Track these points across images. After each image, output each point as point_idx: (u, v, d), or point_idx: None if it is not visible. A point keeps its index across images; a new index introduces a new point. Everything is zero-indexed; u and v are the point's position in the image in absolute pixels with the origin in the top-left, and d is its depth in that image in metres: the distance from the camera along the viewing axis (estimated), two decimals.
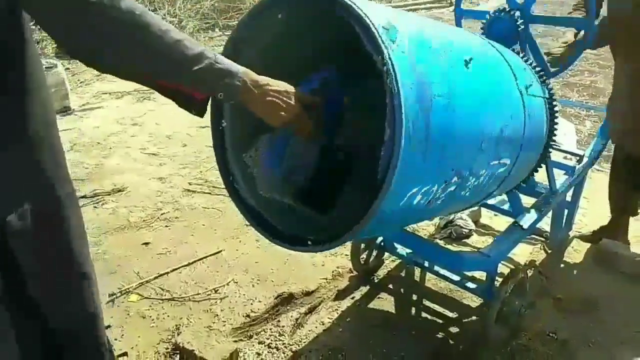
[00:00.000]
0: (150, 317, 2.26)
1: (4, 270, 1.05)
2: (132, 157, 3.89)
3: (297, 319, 2.24)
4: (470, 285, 2.20)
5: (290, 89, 1.13)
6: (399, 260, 2.59)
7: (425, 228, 2.90)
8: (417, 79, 1.09)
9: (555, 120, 2.05)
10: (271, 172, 1.31)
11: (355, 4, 1.06)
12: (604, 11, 2.44)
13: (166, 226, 2.98)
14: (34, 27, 1.08)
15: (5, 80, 0.97)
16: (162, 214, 3.09)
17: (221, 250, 2.73)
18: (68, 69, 5.87)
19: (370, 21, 1.04)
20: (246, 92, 1.05)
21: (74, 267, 1.19)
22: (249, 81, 1.05)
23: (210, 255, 2.69)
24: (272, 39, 1.29)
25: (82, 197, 3.21)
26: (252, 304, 2.34)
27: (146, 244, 2.79)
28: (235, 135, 1.44)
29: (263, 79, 1.08)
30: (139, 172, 3.64)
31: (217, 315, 2.27)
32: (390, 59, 1.02)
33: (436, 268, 2.30)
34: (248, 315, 2.27)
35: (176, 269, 2.57)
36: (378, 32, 1.03)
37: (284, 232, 1.36)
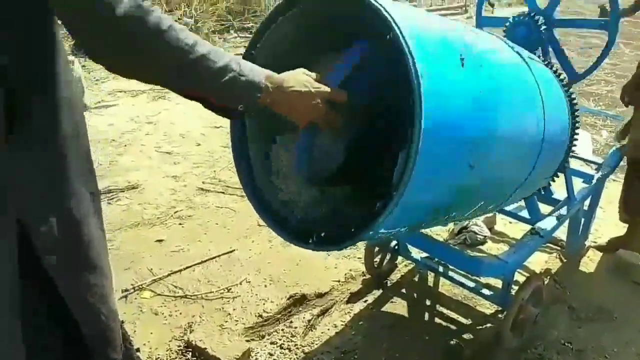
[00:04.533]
0: (163, 314, 2.26)
1: (27, 274, 1.05)
2: (147, 155, 3.91)
3: (309, 321, 2.23)
4: (486, 291, 2.18)
5: (316, 86, 1.10)
6: (412, 265, 2.57)
7: (439, 234, 2.88)
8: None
9: (577, 127, 2.03)
10: (298, 171, 1.26)
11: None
12: None
13: (179, 224, 2.98)
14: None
15: (36, 76, 0.97)
16: (175, 212, 3.10)
17: (234, 250, 2.73)
18: (84, 66, 5.90)
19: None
20: (269, 98, 1.05)
21: (96, 269, 1.18)
22: (271, 86, 1.05)
23: (223, 254, 2.69)
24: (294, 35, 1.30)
25: None
26: (264, 304, 2.34)
27: (159, 241, 2.80)
28: (255, 129, 1.44)
29: (288, 80, 1.07)
30: (153, 170, 3.65)
31: (230, 314, 2.27)
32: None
33: (450, 273, 2.28)
34: (260, 315, 2.26)
35: (189, 267, 2.57)
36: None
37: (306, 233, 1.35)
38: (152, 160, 3.83)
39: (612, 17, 2.15)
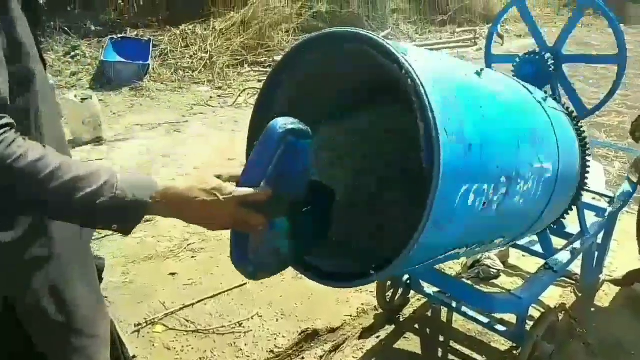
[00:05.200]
0: (175, 349, 2.27)
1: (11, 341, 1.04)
2: None
3: (321, 357, 2.21)
4: (500, 327, 2.15)
5: (226, 192, 0.95)
6: (425, 299, 2.56)
7: (452, 267, 2.86)
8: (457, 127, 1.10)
9: (587, 162, 2.04)
10: (239, 264, 1.05)
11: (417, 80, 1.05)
12: None
13: (192, 257, 3.01)
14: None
15: None
16: (188, 245, 3.13)
17: (246, 283, 2.73)
18: (102, 100, 6.07)
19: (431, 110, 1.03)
20: (161, 211, 0.93)
21: (83, 332, 1.14)
22: (165, 200, 0.92)
23: (235, 287, 2.70)
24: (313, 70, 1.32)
25: None
26: (276, 339, 2.33)
27: (172, 274, 2.82)
28: None
29: (191, 189, 0.93)
30: None
31: (241, 349, 2.26)
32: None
33: (464, 309, 2.26)
34: (272, 351, 2.25)
35: (201, 300, 2.58)
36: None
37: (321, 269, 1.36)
38: None
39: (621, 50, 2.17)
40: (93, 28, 7.73)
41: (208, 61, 7.38)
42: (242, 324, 2.42)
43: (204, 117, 5.72)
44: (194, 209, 0.94)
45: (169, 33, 7.90)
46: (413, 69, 1.06)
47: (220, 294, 2.64)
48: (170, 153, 4.66)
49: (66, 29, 7.45)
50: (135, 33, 7.80)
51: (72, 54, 7.11)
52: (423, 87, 1.04)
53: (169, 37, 7.81)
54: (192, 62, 7.38)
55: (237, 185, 0.99)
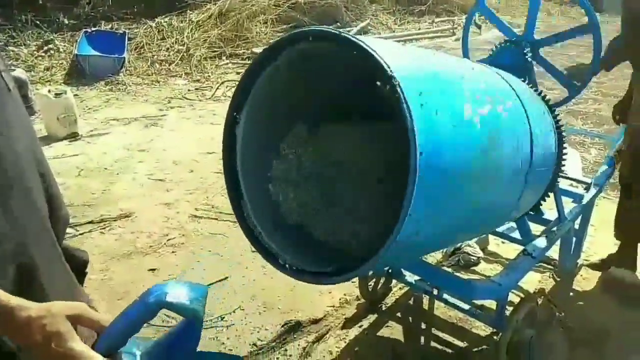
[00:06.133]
0: None
1: None
2: (139, 182, 3.91)
3: (304, 348, 2.21)
4: (480, 313, 2.18)
5: (66, 343, 0.76)
6: (407, 288, 2.57)
7: (433, 255, 2.88)
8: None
9: (564, 148, 2.06)
10: None
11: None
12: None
13: (172, 252, 2.97)
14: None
15: None
16: (168, 240, 3.09)
17: (227, 277, 2.72)
18: (77, 95, 5.94)
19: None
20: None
21: None
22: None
23: (217, 281, 2.68)
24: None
25: (89, 222, 3.22)
26: (258, 332, 2.32)
27: (152, 270, 2.78)
28: (249, 159, 1.45)
29: (29, 322, 0.75)
30: (145, 198, 3.65)
31: (224, 343, 2.25)
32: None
33: (445, 296, 2.27)
34: (255, 344, 2.24)
35: None
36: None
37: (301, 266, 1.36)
38: (145, 188, 3.83)
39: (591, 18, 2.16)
40: (66, 21, 7.55)
41: (185, 54, 7.27)
42: (224, 317, 2.41)
43: (182, 110, 5.65)
44: (22, 343, 0.77)
45: (144, 26, 7.77)
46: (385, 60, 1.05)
47: None
48: (148, 147, 4.59)
49: (38, 22, 7.26)
50: (110, 26, 7.65)
51: (45, 48, 6.94)
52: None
53: (144, 29, 7.67)
54: (168, 55, 7.27)
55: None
